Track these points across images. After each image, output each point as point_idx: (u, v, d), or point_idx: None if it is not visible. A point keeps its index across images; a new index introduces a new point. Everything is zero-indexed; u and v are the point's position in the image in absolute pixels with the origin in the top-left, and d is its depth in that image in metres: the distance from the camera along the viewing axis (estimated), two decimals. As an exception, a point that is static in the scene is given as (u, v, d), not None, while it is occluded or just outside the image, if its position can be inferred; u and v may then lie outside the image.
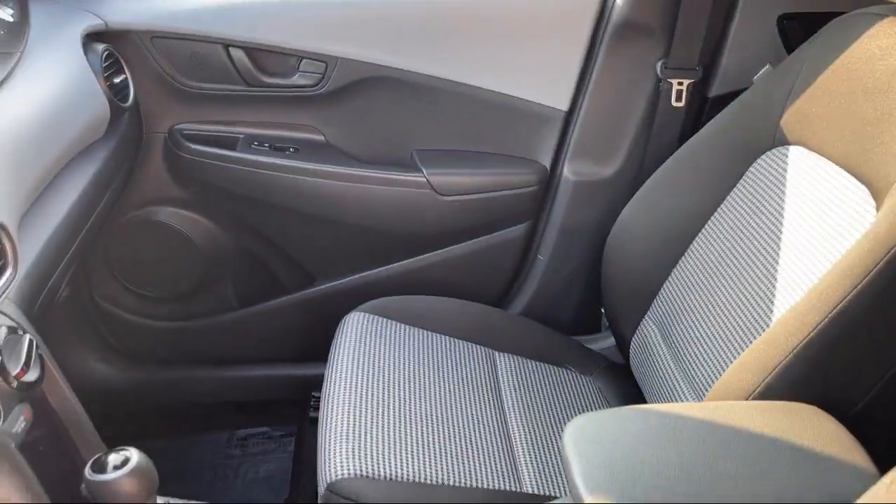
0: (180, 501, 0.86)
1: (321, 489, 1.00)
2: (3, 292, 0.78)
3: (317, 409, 1.17)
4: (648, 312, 1.26)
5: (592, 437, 0.78)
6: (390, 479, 1.01)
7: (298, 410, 1.56)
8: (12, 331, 0.77)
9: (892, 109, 0.93)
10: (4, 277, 0.78)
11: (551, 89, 1.39)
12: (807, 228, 1.02)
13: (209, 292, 1.56)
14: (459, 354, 1.30)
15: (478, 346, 1.32)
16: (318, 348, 1.35)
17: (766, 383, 0.89)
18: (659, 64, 1.34)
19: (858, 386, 0.85)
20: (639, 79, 1.36)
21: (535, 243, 1.52)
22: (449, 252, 1.50)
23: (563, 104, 1.40)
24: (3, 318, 0.78)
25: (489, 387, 1.24)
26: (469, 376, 1.25)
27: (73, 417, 0.83)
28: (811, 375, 0.86)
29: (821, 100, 1.05)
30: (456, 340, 1.32)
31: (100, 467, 0.70)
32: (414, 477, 1.02)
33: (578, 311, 1.55)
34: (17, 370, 0.73)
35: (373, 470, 1.01)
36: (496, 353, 1.33)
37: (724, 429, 0.79)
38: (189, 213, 1.47)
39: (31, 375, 0.75)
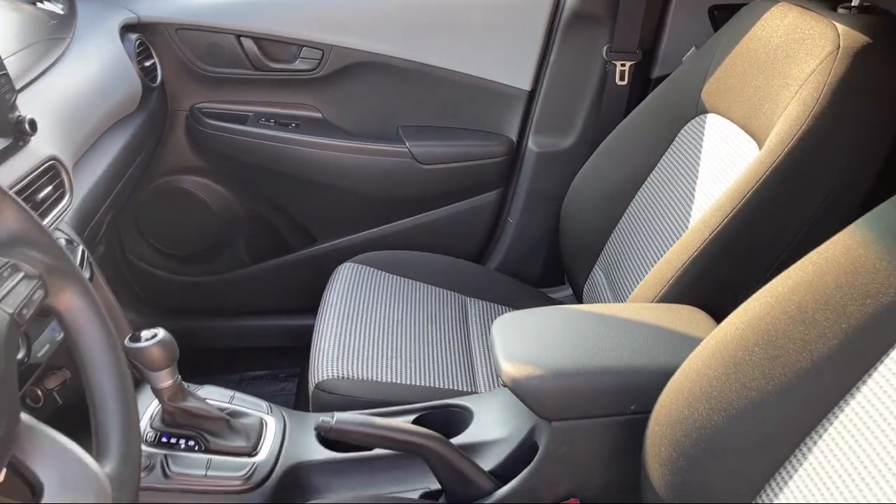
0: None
1: (311, 389, 1.22)
2: (62, 214, 1.02)
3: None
4: (597, 262, 1.47)
5: (512, 325, 1.00)
6: (368, 379, 1.23)
7: (301, 354, 1.78)
8: (69, 242, 1.01)
9: (775, 78, 1.14)
10: (63, 202, 1.02)
11: (515, 71, 1.61)
12: (714, 177, 1.23)
13: (224, 251, 1.79)
14: (435, 298, 1.51)
15: (451, 293, 1.54)
16: (317, 300, 1.57)
17: (662, 293, 1.10)
18: (605, 48, 1.56)
19: (731, 292, 1.05)
20: (589, 61, 1.58)
21: (505, 208, 1.74)
22: (430, 215, 1.73)
23: (526, 84, 1.62)
24: (61, 234, 1.02)
25: (459, 322, 1.45)
26: (442, 313, 1.46)
27: (112, 311, 1.07)
28: (695, 284, 1.08)
29: (729, 74, 1.27)
30: (433, 287, 1.53)
31: (135, 339, 0.93)
32: (389, 379, 1.24)
33: (545, 266, 1.76)
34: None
35: (354, 373, 1.23)
36: (467, 299, 1.54)
37: (615, 318, 1.00)
38: (207, 181, 1.71)
39: (85, 275, 0.99)
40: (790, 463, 0.74)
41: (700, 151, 1.31)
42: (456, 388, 1.26)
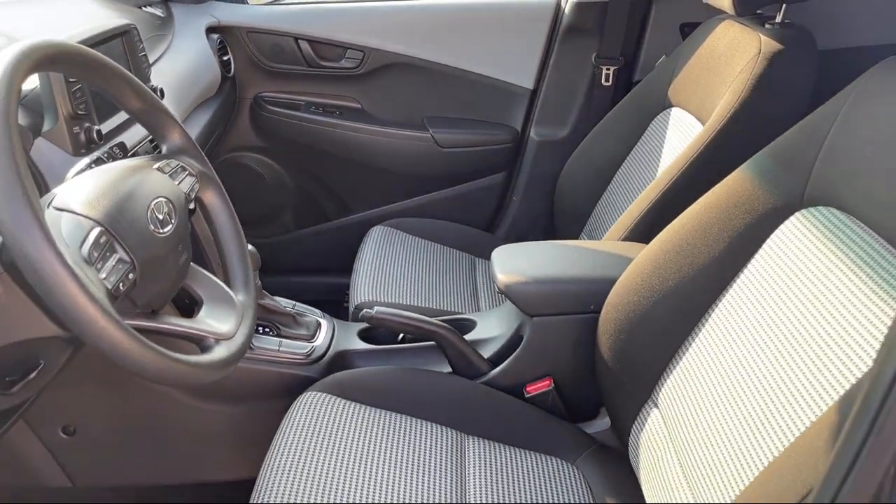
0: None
1: (350, 310, 1.56)
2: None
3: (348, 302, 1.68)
4: (583, 229, 1.81)
5: (506, 252, 1.34)
6: (396, 303, 1.56)
7: (336, 307, 2.12)
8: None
9: (718, 77, 1.48)
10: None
11: (521, 73, 1.97)
12: (673, 154, 1.56)
13: (274, 218, 2.15)
14: (450, 257, 1.84)
15: (463, 253, 1.87)
16: (351, 261, 1.88)
17: (623, 235, 1.44)
18: (593, 55, 1.91)
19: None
20: (580, 66, 1.94)
21: (511, 187, 2.09)
22: (449, 191, 2.07)
23: (529, 84, 1.97)
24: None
25: (468, 274, 1.78)
26: (454, 268, 1.78)
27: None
28: (648, 227, 1.40)
29: (687, 76, 1.61)
30: (448, 248, 1.87)
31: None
32: (412, 303, 1.57)
33: (543, 236, 2.09)
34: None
35: (385, 297, 1.57)
36: (476, 259, 1.86)
37: (584, 248, 1.34)
38: (264, 158, 2.07)
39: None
40: (696, 328, 1.07)
41: (665, 136, 1.65)
42: (464, 312, 1.59)
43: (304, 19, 1.94)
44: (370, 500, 1.00)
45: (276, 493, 0.99)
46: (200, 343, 0.87)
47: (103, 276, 0.74)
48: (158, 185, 0.89)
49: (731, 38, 1.50)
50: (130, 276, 0.78)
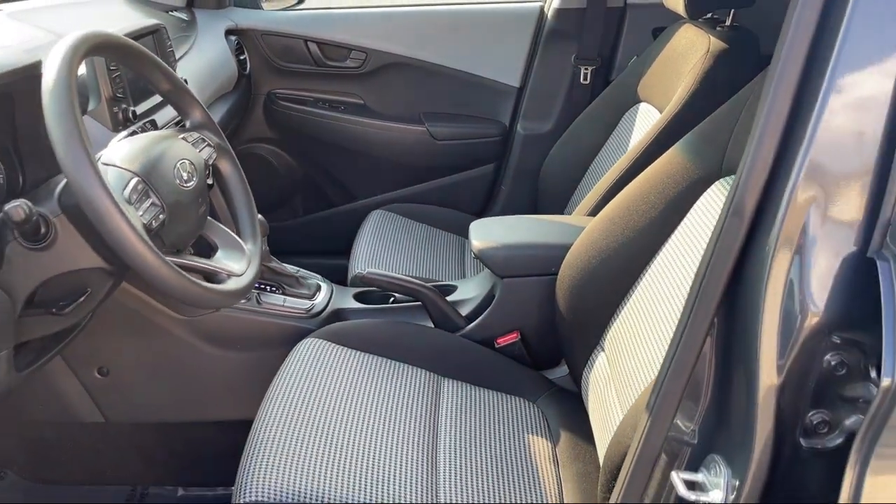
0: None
1: (349, 278, 1.76)
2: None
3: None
4: (563, 210, 2.00)
5: (482, 223, 1.54)
6: (392, 273, 1.76)
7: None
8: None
9: (675, 73, 1.67)
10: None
11: (508, 72, 2.17)
12: (637, 141, 1.75)
13: (283, 204, 2.36)
14: (441, 238, 2.03)
15: (454, 235, 2.06)
16: (352, 243, 2.08)
17: (590, 210, 1.63)
18: (573, 57, 2.11)
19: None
20: (562, 66, 2.13)
21: (499, 177, 2.28)
22: (444, 181, 2.27)
23: (516, 82, 2.17)
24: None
25: (457, 252, 1.98)
26: (444, 246, 1.98)
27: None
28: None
29: (653, 73, 1.80)
30: (440, 231, 2.06)
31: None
32: (406, 273, 1.77)
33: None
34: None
35: (383, 268, 1.76)
36: (464, 240, 2.06)
37: (551, 220, 1.53)
38: (276, 149, 2.28)
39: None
40: (636, 283, 1.26)
41: (633, 127, 1.84)
42: (449, 280, 1.79)
43: (313, 23, 2.15)
44: (355, 429, 1.18)
45: (274, 426, 1.16)
46: (215, 277, 1.07)
47: (140, 213, 0.94)
48: (183, 149, 1.10)
49: (688, 39, 1.69)
50: (161, 216, 0.98)
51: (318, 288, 1.58)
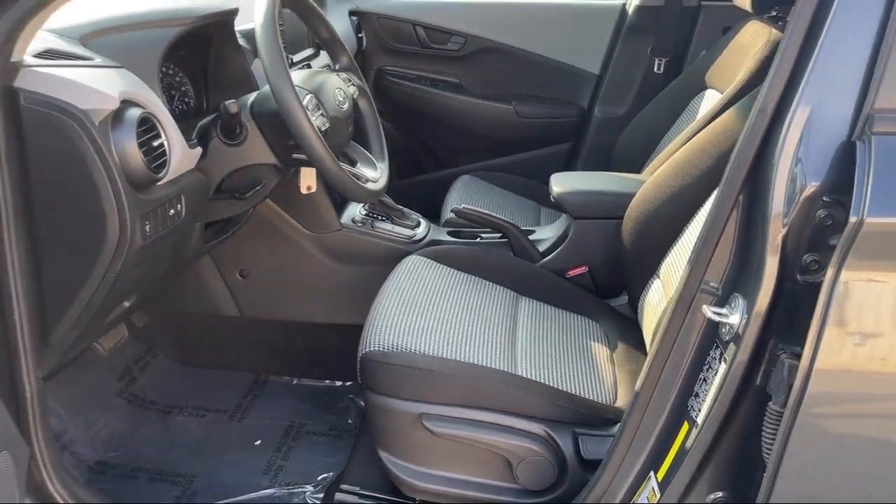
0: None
1: (441, 220, 2.06)
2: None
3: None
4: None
5: (561, 175, 1.81)
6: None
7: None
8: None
9: (738, 60, 1.92)
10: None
11: (589, 60, 2.44)
12: (698, 121, 2.00)
13: (383, 169, 2.68)
14: (520, 203, 2.31)
15: (532, 202, 2.34)
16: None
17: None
18: (649, 49, 2.38)
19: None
20: (639, 57, 2.40)
21: (575, 157, 2.55)
22: (524, 155, 2.56)
23: (596, 69, 2.45)
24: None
25: (534, 213, 2.25)
26: (523, 208, 2.26)
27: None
28: (671, 168, 1.85)
29: (720, 62, 2.05)
30: (519, 196, 2.34)
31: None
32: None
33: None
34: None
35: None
36: (540, 207, 2.34)
37: (621, 176, 1.80)
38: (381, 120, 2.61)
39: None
40: (688, 223, 1.51)
41: (699, 109, 2.09)
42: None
43: (422, 10, 2.48)
44: (450, 316, 1.46)
45: (389, 305, 1.45)
46: (361, 180, 1.39)
47: (314, 119, 1.27)
48: (338, 81, 1.43)
49: (752, 32, 1.94)
50: (326, 125, 1.30)
51: (418, 223, 1.88)
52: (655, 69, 2.38)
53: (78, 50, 1.17)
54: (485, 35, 2.46)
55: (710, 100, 2.03)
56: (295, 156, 1.31)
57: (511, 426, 1.28)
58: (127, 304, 1.31)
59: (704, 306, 0.98)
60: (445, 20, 2.47)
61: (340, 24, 2.32)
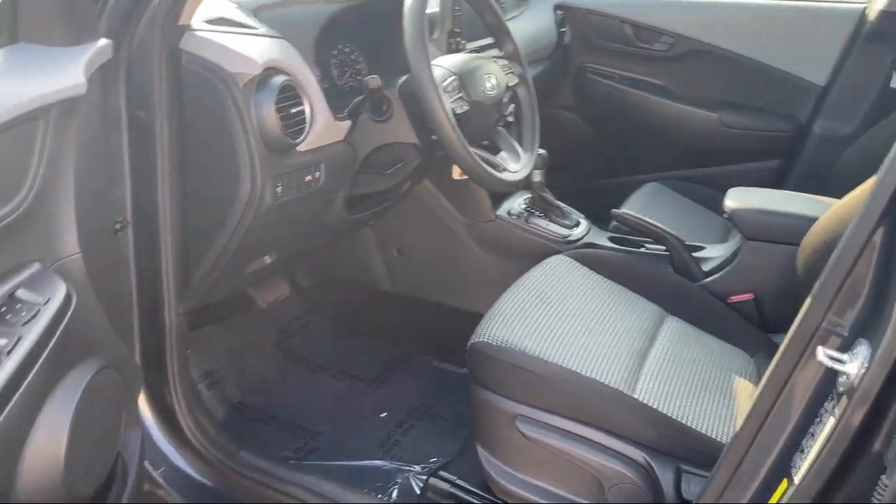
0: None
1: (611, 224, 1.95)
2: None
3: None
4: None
5: (739, 190, 1.63)
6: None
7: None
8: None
9: None
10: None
11: (814, 69, 2.16)
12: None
13: (567, 171, 2.58)
14: (710, 219, 2.12)
15: (721, 220, 2.14)
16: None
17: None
18: (889, 60, 2.05)
19: None
20: (876, 69, 2.08)
21: (785, 176, 2.28)
22: (726, 168, 2.34)
23: (822, 80, 2.16)
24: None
25: (722, 235, 2.06)
26: (708, 232, 2.07)
27: None
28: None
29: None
30: (709, 212, 2.15)
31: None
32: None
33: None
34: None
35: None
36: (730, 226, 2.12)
37: (814, 198, 1.57)
38: (575, 117, 2.54)
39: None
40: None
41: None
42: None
43: (631, 6, 2.36)
44: (577, 324, 1.36)
45: (512, 299, 1.39)
46: (496, 168, 1.37)
47: (451, 101, 1.27)
48: (493, 68, 1.41)
49: None
50: (464, 108, 1.30)
51: (578, 223, 1.81)
52: (893, 83, 2.05)
53: (249, 20, 1.27)
54: (696, 36, 2.29)
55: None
56: (433, 137, 1.32)
57: (609, 446, 1.19)
58: (269, 259, 1.41)
59: (819, 347, 0.82)
60: (657, 18, 2.34)
61: (543, 16, 2.29)
